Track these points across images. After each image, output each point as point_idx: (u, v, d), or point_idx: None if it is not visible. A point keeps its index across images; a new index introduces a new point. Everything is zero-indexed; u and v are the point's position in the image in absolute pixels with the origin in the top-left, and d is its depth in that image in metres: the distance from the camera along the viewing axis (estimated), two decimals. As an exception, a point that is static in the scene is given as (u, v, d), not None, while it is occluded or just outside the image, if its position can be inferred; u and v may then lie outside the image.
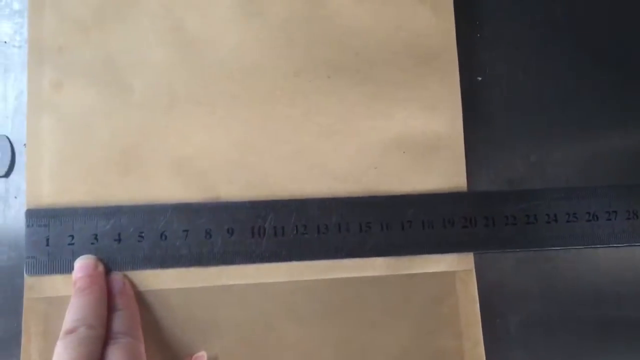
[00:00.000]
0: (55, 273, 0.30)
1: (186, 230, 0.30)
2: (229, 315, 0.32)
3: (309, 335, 0.32)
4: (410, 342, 0.32)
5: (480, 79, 0.36)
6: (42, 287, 0.30)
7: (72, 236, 0.30)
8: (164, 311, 0.31)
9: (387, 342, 0.32)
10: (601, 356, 0.35)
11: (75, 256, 0.30)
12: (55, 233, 0.30)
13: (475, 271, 0.33)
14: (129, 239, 0.30)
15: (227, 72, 0.33)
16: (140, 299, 0.31)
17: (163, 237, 0.30)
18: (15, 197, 0.31)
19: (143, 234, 0.30)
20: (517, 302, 0.34)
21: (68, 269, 0.30)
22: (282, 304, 0.32)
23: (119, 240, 0.30)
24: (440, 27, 0.35)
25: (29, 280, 0.30)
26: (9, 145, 0.32)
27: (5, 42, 0.33)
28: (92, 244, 0.30)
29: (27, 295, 0.30)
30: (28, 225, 0.30)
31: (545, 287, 0.35)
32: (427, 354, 0.32)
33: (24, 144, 0.31)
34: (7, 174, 0.32)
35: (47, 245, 0.30)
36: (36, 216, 0.30)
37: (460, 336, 0.33)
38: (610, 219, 0.34)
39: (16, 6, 0.33)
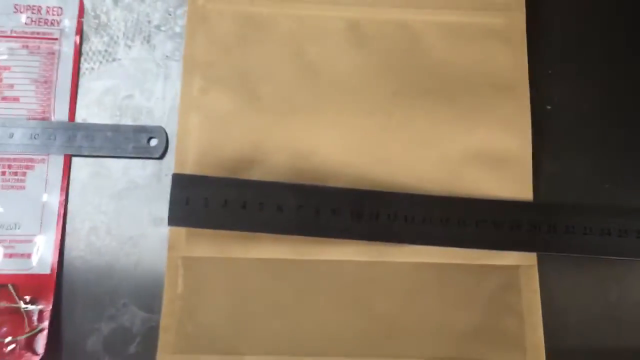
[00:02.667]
0: (192, 226, 0.37)
1: (300, 206, 0.37)
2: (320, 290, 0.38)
3: (399, 310, 0.37)
4: (479, 322, 0.37)
5: (549, 107, 0.41)
6: (181, 248, 0.37)
7: (207, 199, 0.36)
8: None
9: (459, 320, 0.37)
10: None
11: (208, 215, 0.36)
12: (194, 195, 0.36)
13: (538, 266, 0.37)
14: (252, 207, 0.36)
15: (339, 90, 0.40)
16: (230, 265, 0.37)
17: (279, 210, 0.36)
18: (166, 175, 0.39)
19: (263, 204, 0.36)
20: (575, 296, 0.38)
21: (202, 224, 0.36)
22: (371, 283, 0.37)
23: (244, 207, 0.36)
24: (515, 63, 0.40)
25: (171, 241, 0.37)
26: (164, 134, 0.39)
27: (167, 56, 0.41)
28: (222, 207, 0.36)
29: (169, 254, 0.37)
30: (173, 187, 0.36)
31: (601, 284, 0.38)
32: (493, 333, 0.37)
33: (176, 135, 0.39)
34: (161, 157, 0.39)
35: (187, 204, 0.36)
36: (179, 180, 0.37)
37: (522, 321, 0.37)
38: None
39: (177, 29, 0.41)
